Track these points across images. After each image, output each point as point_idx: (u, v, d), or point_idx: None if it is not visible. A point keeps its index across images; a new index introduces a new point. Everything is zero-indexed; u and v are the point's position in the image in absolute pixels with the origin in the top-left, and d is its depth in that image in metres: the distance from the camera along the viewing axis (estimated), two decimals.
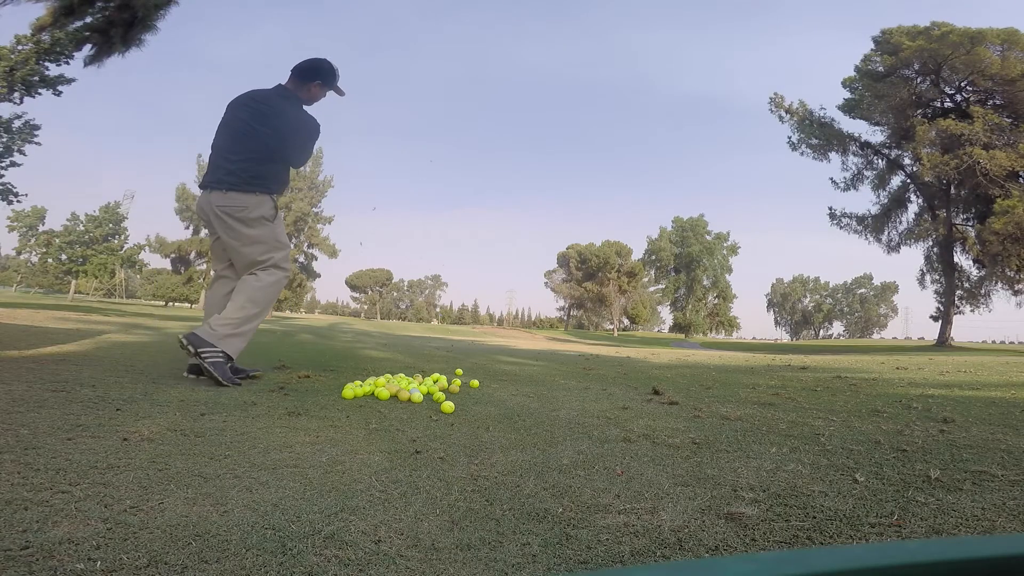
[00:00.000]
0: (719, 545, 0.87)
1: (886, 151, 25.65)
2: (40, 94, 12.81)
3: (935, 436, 1.65)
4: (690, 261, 55.34)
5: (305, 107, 2.59)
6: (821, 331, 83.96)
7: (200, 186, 2.51)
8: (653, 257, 56.94)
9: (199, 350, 2.19)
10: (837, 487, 1.16)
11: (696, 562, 0.23)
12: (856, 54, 33.39)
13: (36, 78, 12.32)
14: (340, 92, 2.67)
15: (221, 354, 2.23)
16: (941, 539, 0.26)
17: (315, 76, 2.56)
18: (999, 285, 23.07)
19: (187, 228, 31.65)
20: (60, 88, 12.83)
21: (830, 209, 26.98)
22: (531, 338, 24.28)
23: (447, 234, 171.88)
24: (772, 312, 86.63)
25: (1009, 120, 21.19)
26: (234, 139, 2.45)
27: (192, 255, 32.95)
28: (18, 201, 16.85)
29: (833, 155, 26.41)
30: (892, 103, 23.17)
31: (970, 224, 23.49)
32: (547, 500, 1.06)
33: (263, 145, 2.44)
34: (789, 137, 26.60)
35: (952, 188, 23.18)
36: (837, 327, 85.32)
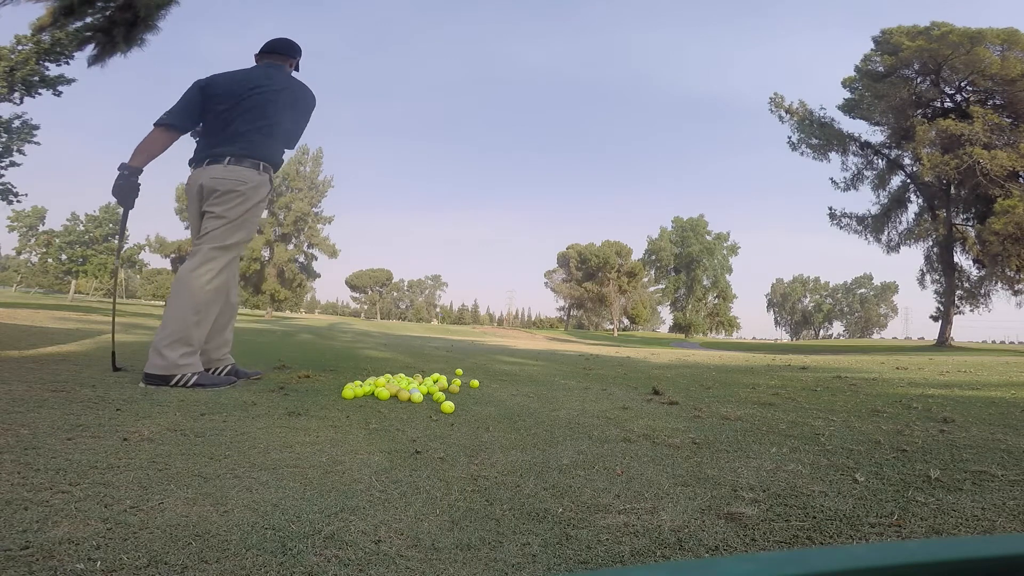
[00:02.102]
0: (719, 545, 0.87)
1: (886, 151, 25.67)
2: (40, 94, 12.83)
3: (935, 436, 1.65)
4: (690, 261, 55.32)
5: None
6: (821, 331, 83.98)
7: (192, 163, 2.36)
8: (653, 257, 56.93)
9: (169, 385, 2.06)
10: (837, 487, 1.16)
11: (696, 562, 0.23)
12: (856, 54, 33.41)
13: (36, 78, 12.33)
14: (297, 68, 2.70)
15: (188, 374, 2.11)
16: (941, 539, 0.26)
17: (297, 52, 2.59)
18: (999, 285, 23.09)
19: (187, 228, 31.58)
20: (60, 88, 12.84)
21: (830, 209, 27.03)
22: (531, 338, 24.28)
23: (447, 234, 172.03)
24: (772, 312, 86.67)
25: (1009, 120, 21.20)
26: (252, 113, 2.32)
27: None
28: (18, 201, 16.87)
29: (833, 155, 26.45)
30: (892, 103, 23.18)
31: (970, 224, 23.51)
32: (547, 500, 1.06)
33: (282, 123, 2.38)
34: (789, 137, 26.66)
35: (952, 188, 23.19)
36: (837, 327, 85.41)
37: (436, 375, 2.57)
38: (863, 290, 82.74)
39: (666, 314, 61.59)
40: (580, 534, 0.90)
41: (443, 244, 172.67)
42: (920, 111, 23.64)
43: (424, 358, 4.22)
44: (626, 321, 60.68)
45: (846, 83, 25.12)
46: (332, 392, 2.19)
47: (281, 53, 2.54)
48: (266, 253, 31.97)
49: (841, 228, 27.04)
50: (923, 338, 53.08)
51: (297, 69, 2.66)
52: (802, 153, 26.55)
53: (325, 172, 33.16)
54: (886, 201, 26.25)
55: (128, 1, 7.06)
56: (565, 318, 68.18)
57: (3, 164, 15.37)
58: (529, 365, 4.11)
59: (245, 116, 2.31)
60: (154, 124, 2.28)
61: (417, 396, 2.09)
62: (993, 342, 55.40)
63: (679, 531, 0.92)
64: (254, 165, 2.31)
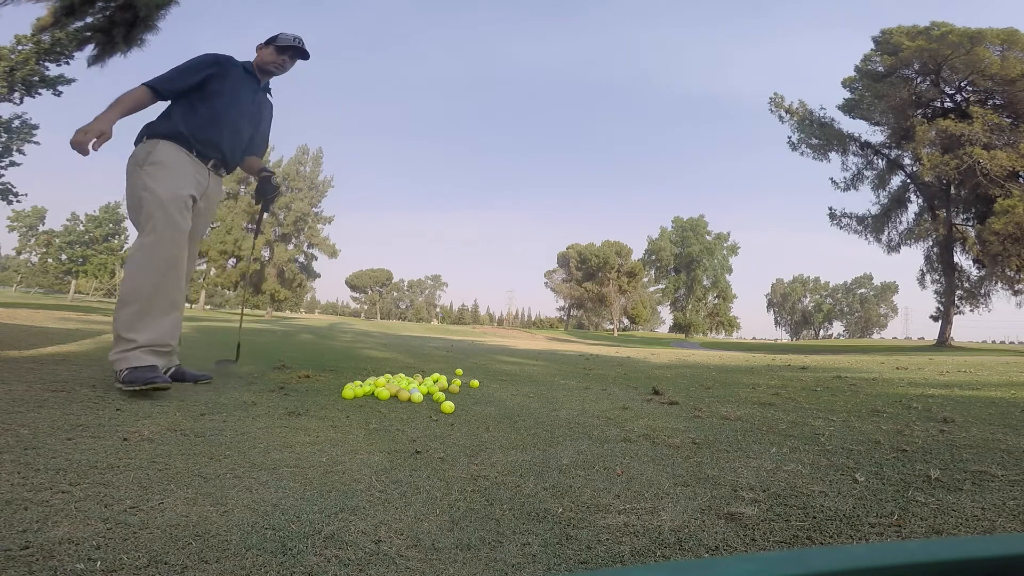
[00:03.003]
0: (719, 545, 0.87)
1: (886, 151, 25.67)
2: (40, 94, 12.84)
3: (935, 436, 1.65)
4: (690, 261, 55.29)
5: (270, 78, 2.51)
6: (821, 331, 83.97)
7: None
8: (653, 257, 56.91)
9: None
10: (837, 487, 1.16)
11: (696, 562, 0.23)
12: (856, 54, 33.42)
13: (36, 78, 12.34)
14: (304, 55, 2.48)
15: (120, 369, 1.94)
16: (941, 539, 0.26)
17: (268, 42, 2.45)
18: (999, 285, 23.08)
19: None
20: (60, 88, 12.85)
21: (830, 209, 27.02)
22: (531, 338, 24.28)
23: (447, 234, 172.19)
24: (772, 312, 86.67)
25: (1009, 120, 21.19)
26: None
27: None
28: (18, 201, 16.90)
29: (833, 155, 26.45)
30: (892, 103, 23.18)
31: (970, 224, 23.50)
32: (547, 500, 1.06)
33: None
34: (789, 137, 26.67)
35: (952, 188, 23.19)
36: (837, 327, 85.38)
37: (436, 375, 2.57)
38: (863, 290, 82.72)
39: (666, 314, 61.58)
40: (580, 534, 0.90)
41: (443, 244, 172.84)
42: (920, 111, 23.64)
43: (424, 358, 4.22)
44: (626, 321, 60.69)
45: (846, 83, 25.11)
46: (332, 392, 2.19)
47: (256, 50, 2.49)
48: (266, 253, 31.98)
49: (841, 228, 27.06)
50: (923, 338, 53.10)
51: (303, 56, 2.48)
52: (802, 153, 26.56)
53: (325, 172, 33.25)
54: (886, 201, 26.26)
55: (128, 1, 7.07)
56: (565, 318, 68.19)
57: (3, 164, 15.40)
58: (529, 365, 4.11)
59: None
60: None
61: (417, 396, 2.09)
62: (993, 342, 55.43)
63: (679, 531, 0.92)
64: (139, 142, 2.21)
